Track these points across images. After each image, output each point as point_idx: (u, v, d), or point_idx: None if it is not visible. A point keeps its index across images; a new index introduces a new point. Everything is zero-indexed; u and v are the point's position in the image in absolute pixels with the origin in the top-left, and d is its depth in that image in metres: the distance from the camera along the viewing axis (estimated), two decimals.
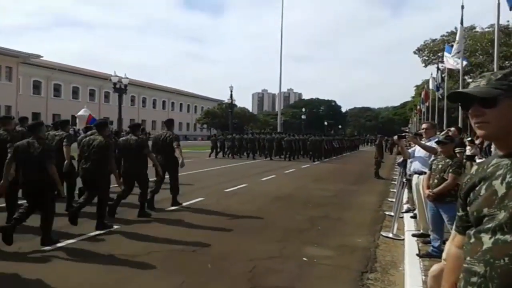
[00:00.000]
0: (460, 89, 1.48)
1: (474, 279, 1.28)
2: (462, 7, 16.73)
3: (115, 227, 6.68)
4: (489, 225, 1.28)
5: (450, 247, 1.61)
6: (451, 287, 1.48)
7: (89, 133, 8.04)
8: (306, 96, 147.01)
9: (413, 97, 58.47)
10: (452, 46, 25.51)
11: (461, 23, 16.18)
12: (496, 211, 1.28)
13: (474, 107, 1.36)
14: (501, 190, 1.28)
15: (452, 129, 6.29)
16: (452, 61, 18.01)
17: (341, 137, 38.29)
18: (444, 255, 3.54)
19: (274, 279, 4.66)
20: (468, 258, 1.33)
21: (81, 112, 31.81)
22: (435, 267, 3.47)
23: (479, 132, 1.37)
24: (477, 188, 1.39)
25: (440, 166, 5.10)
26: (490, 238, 1.27)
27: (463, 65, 18.65)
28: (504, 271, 1.21)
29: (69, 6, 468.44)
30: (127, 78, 25.05)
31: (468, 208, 1.42)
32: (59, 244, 5.61)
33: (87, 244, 5.78)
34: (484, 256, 1.27)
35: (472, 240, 1.35)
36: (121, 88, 24.49)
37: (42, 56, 44.30)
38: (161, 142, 8.33)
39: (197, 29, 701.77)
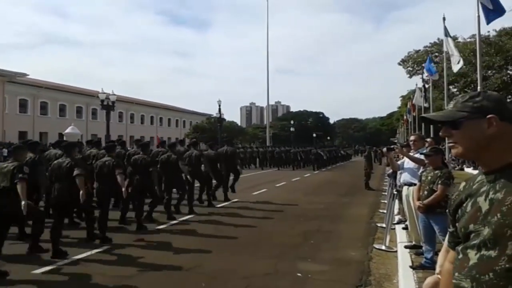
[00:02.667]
0: (425, 115, 1.54)
1: None
2: (444, 19, 17.08)
3: (105, 247, 6.61)
4: (475, 241, 1.31)
5: (444, 263, 1.63)
6: None
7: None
8: (294, 109, 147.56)
9: (399, 108, 59.18)
10: (436, 56, 25.97)
11: (446, 34, 16.47)
12: (480, 227, 1.31)
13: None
14: (485, 206, 1.31)
15: (429, 140, 6.36)
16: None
17: (335, 148, 41.90)
18: (437, 267, 3.57)
19: None
20: (456, 274, 1.36)
21: (68, 130, 31.45)
22: (429, 280, 3.48)
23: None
24: (464, 205, 1.42)
25: (429, 177, 5.15)
26: (476, 254, 1.30)
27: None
28: (489, 286, 1.23)
29: (55, 24, 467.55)
30: (114, 94, 24.95)
31: (457, 224, 1.44)
32: (48, 267, 5.54)
33: (77, 266, 5.70)
34: (471, 272, 1.29)
35: (460, 256, 1.37)
36: (108, 105, 24.37)
37: (28, 75, 44.00)
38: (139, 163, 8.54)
39: (184, 44, 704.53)
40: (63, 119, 50.63)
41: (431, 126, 19.61)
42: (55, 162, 6.87)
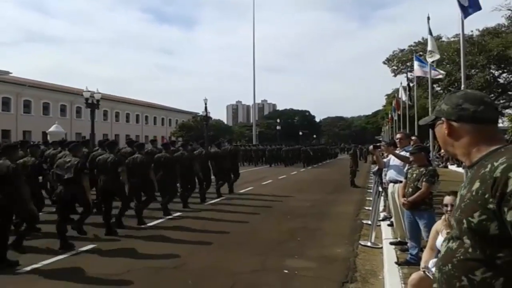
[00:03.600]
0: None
1: (435, 285, 1.41)
2: (428, 18, 17.21)
3: (93, 245, 6.56)
4: (449, 235, 1.43)
5: None
6: None
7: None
8: (280, 107, 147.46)
9: (384, 106, 59.59)
10: (420, 55, 26.25)
11: (430, 33, 16.63)
12: (452, 220, 1.42)
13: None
14: (457, 201, 1.41)
15: (413, 138, 6.45)
16: (433, 73, 18.49)
17: (323, 146, 43.59)
18: (422, 263, 3.63)
19: None
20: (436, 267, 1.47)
21: (52, 128, 31.04)
22: (414, 276, 3.56)
23: None
24: None
25: (414, 175, 5.22)
26: (445, 246, 1.40)
27: (435, 75, 19.18)
28: (448, 276, 1.31)
29: (37, 21, 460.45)
30: (99, 93, 24.70)
31: None
32: (35, 265, 5.49)
33: (65, 263, 5.66)
34: (438, 263, 1.40)
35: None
36: (93, 103, 24.11)
37: (11, 73, 43.30)
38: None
39: (169, 42, 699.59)
40: (47, 117, 49.88)
41: (415, 124, 19.88)
42: (100, 157, 8.07)
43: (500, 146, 1.37)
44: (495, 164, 1.25)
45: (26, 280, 5.05)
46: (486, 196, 1.22)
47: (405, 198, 5.20)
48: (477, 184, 1.28)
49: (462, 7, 8.97)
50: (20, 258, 5.65)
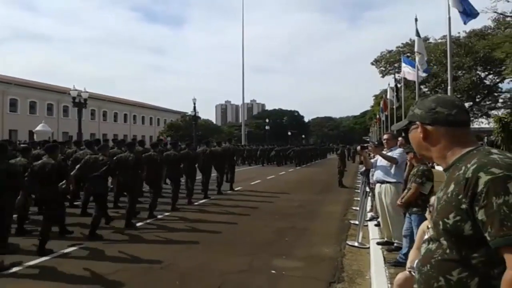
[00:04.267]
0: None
1: (415, 286, 1.43)
2: (416, 20, 17.40)
3: (80, 246, 6.50)
4: (427, 236, 1.48)
5: None
6: None
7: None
8: (269, 107, 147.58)
9: (372, 107, 60.04)
10: (408, 56, 26.46)
11: (417, 35, 16.80)
12: (432, 222, 1.43)
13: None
14: (435, 203, 1.43)
15: (400, 138, 6.51)
16: (414, 73, 18.70)
17: (314, 147, 44.35)
18: (408, 263, 3.65)
19: None
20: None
21: (39, 127, 30.68)
22: (400, 276, 3.57)
23: None
24: None
25: (410, 175, 5.20)
26: (425, 248, 1.43)
27: (424, 76, 19.44)
28: (426, 277, 1.34)
29: (25, 19, 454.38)
30: (86, 92, 24.46)
31: None
32: (26, 263, 5.46)
33: (54, 263, 5.62)
34: (418, 264, 1.43)
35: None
36: (80, 102, 23.88)
37: None
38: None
39: (158, 41, 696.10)
40: (33, 116, 49.26)
41: None
42: (121, 156, 8.68)
43: (472, 148, 1.39)
44: (468, 166, 1.28)
45: (11, 281, 4.98)
46: (460, 197, 1.25)
47: (400, 199, 5.19)
48: (452, 186, 1.31)
49: (461, 13, 9.14)
50: (5, 258, 5.58)
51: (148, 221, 8.63)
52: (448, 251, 1.29)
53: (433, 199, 3.82)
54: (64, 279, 5.02)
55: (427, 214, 3.64)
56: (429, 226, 1.48)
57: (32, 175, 6.42)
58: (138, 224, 8.25)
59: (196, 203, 11.14)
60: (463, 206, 1.23)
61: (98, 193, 7.41)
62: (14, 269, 5.33)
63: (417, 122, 1.48)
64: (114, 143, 12.46)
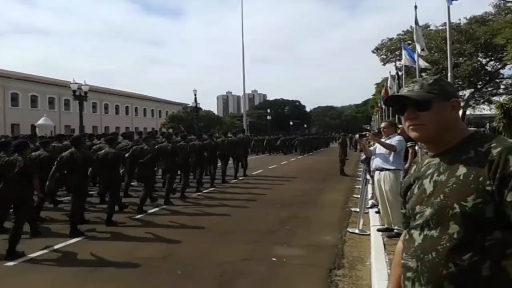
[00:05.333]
0: (399, 93, 1.52)
1: (409, 274, 1.36)
2: (415, 7, 17.25)
3: (81, 238, 6.57)
4: (418, 222, 1.37)
5: (399, 243, 1.68)
6: (396, 281, 1.55)
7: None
8: (270, 97, 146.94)
9: (373, 95, 59.78)
10: (409, 44, 26.32)
11: (416, 22, 16.69)
12: (424, 208, 1.37)
13: (409, 110, 1.44)
14: (429, 188, 1.38)
15: (400, 126, 6.51)
16: (421, 62, 18.63)
17: (317, 136, 46.35)
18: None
19: (245, 281, 4.71)
20: (404, 254, 1.41)
21: (40, 121, 30.70)
22: (400, 244, 3.62)
23: (413, 134, 1.45)
24: (412, 187, 1.48)
25: None
26: (420, 234, 1.36)
27: (423, 66, 19.32)
28: (432, 265, 1.29)
29: (23, 13, 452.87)
30: (87, 85, 24.45)
31: (406, 206, 1.50)
32: (21, 258, 5.49)
33: (54, 255, 5.69)
34: (416, 252, 1.35)
35: (407, 237, 1.43)
36: (81, 95, 23.88)
37: None
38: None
39: (157, 33, 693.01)
40: (35, 110, 49.33)
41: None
42: (161, 145, 10.00)
43: (473, 132, 1.40)
44: (483, 149, 1.28)
45: (17, 270, 5.06)
46: (480, 179, 1.23)
47: None
48: (463, 169, 1.29)
49: None
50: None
51: (150, 211, 8.69)
52: (456, 235, 1.25)
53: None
54: (65, 269, 5.11)
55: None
56: (417, 210, 1.43)
57: (98, 162, 7.71)
58: (137, 216, 8.32)
59: (196, 194, 11.22)
60: (488, 188, 1.22)
61: (147, 177, 8.83)
62: (10, 264, 5.38)
63: (454, 99, 1.43)
64: (123, 136, 12.93)
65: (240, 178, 14.88)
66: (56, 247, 6.07)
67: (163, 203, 9.47)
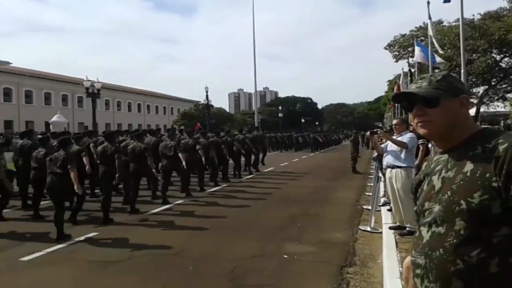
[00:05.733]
0: (406, 90, 1.52)
1: (418, 271, 1.36)
2: (428, 3, 17.12)
3: (94, 233, 6.65)
4: (427, 219, 1.37)
5: (411, 241, 1.69)
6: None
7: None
8: (282, 94, 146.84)
9: (386, 92, 59.37)
10: (422, 40, 26.07)
11: (429, 18, 16.54)
12: (433, 204, 1.36)
13: (417, 106, 1.43)
14: (438, 184, 1.37)
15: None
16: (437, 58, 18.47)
17: (329, 133, 47.43)
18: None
19: (256, 278, 4.73)
20: (413, 252, 1.41)
21: (54, 118, 31.02)
22: (409, 259, 3.61)
23: (422, 131, 1.45)
24: (422, 184, 1.48)
25: None
26: (428, 231, 1.36)
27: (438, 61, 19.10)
28: (439, 262, 1.29)
29: (36, 11, 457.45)
30: (99, 82, 24.69)
31: (417, 202, 1.50)
32: (36, 254, 5.58)
33: (65, 251, 5.76)
34: (424, 249, 1.35)
35: (416, 234, 1.43)
36: (93, 92, 24.12)
37: (11, 63, 43.20)
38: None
39: (169, 30, 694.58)
40: (48, 107, 49.96)
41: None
42: (184, 141, 11.09)
43: (482, 128, 1.40)
44: (490, 145, 1.27)
45: (27, 268, 5.13)
46: (487, 175, 1.23)
47: None
48: (470, 165, 1.29)
49: None
50: (23, 245, 5.76)
51: (163, 207, 8.77)
52: (463, 232, 1.25)
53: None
54: (79, 265, 5.17)
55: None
56: (426, 207, 1.42)
57: (128, 155, 8.78)
58: (153, 211, 8.41)
59: (209, 190, 11.32)
60: (494, 184, 1.22)
61: (172, 168, 9.95)
62: (27, 257, 5.47)
63: (463, 95, 1.42)
64: (149, 133, 13.45)
65: (255, 173, 15.82)
66: (72, 241, 6.16)
67: (183, 195, 10.28)
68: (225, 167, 13.61)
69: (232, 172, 14.58)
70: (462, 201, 1.26)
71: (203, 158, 11.27)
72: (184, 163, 9.91)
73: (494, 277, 1.21)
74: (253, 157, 16.53)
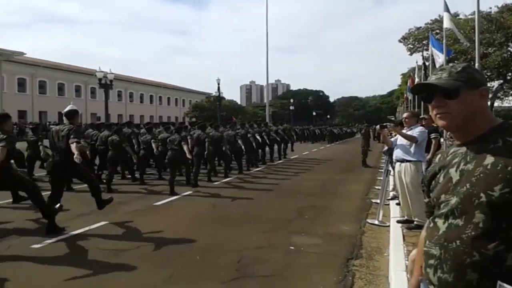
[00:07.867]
0: (427, 81, 1.51)
1: (431, 262, 1.37)
2: None
3: (104, 222, 6.74)
4: (443, 211, 1.37)
5: (423, 232, 1.69)
6: (421, 269, 1.56)
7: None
8: (294, 87, 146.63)
9: (399, 86, 58.81)
10: (437, 33, 25.68)
11: (447, 10, 16.26)
12: (450, 197, 1.37)
13: (437, 98, 1.42)
14: (456, 177, 1.37)
15: (427, 117, 6.41)
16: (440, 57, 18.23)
17: (342, 126, 50.01)
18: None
19: (262, 268, 4.75)
20: (427, 242, 1.42)
21: (67, 109, 31.41)
22: (414, 252, 3.60)
23: (440, 122, 1.44)
24: (437, 176, 1.48)
25: None
26: (444, 222, 1.36)
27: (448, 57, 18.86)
28: (455, 253, 1.29)
29: (49, 3, 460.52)
30: (112, 73, 24.82)
31: (431, 194, 1.51)
32: (48, 241, 5.67)
33: (75, 240, 5.83)
34: (440, 240, 1.35)
35: (431, 225, 1.44)
36: (106, 83, 24.26)
37: (25, 53, 43.59)
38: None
39: (181, 22, 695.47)
40: (62, 98, 50.49)
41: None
42: (210, 133, 11.75)
43: (502, 121, 1.41)
44: (511, 138, 1.29)
45: (38, 255, 5.22)
46: (509, 169, 1.23)
47: None
48: (490, 158, 1.29)
49: None
50: (35, 232, 5.84)
51: (171, 198, 8.84)
52: (481, 224, 1.26)
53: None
54: (87, 254, 5.25)
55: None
56: (442, 199, 1.42)
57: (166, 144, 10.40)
58: (160, 202, 8.48)
59: (217, 182, 11.41)
60: None
61: (201, 155, 11.34)
62: (36, 245, 5.56)
63: (483, 87, 1.42)
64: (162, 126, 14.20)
65: (280, 161, 17.82)
66: (81, 230, 6.25)
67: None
68: (256, 156, 15.38)
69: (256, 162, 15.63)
70: (482, 194, 1.26)
71: (243, 147, 13.37)
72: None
73: (510, 269, 1.22)
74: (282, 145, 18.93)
